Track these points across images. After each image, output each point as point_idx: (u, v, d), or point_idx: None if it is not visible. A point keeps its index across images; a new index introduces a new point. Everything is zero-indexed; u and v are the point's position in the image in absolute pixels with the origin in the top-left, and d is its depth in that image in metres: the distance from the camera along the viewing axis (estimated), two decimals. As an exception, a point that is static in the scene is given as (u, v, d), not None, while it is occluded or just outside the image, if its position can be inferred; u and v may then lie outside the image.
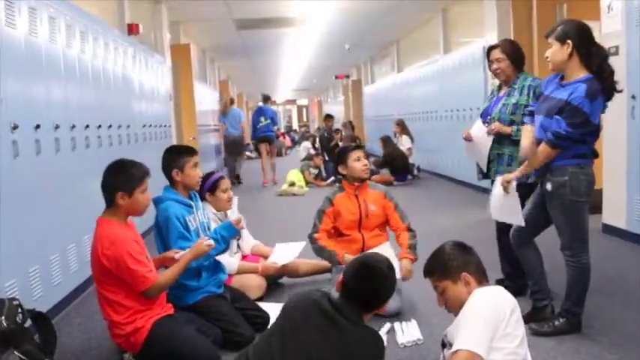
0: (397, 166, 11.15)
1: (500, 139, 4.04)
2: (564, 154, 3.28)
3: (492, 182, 4.10)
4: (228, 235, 3.62)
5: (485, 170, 4.21)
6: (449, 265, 2.48)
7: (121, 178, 3.05)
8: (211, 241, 3.33)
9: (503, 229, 4.05)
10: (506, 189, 3.63)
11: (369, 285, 2.52)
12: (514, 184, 3.60)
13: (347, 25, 13.10)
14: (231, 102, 12.53)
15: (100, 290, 3.08)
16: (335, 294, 2.55)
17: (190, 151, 3.69)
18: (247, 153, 17.43)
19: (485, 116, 4.19)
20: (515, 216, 3.59)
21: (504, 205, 3.67)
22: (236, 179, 12.00)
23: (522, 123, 3.87)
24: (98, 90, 5.51)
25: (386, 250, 3.84)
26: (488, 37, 8.63)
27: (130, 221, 3.19)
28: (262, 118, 11.90)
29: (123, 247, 2.98)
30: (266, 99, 12.50)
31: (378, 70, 19.73)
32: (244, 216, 3.79)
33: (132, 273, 2.98)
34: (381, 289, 2.57)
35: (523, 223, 3.55)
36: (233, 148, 12.20)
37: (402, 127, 12.10)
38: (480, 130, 4.18)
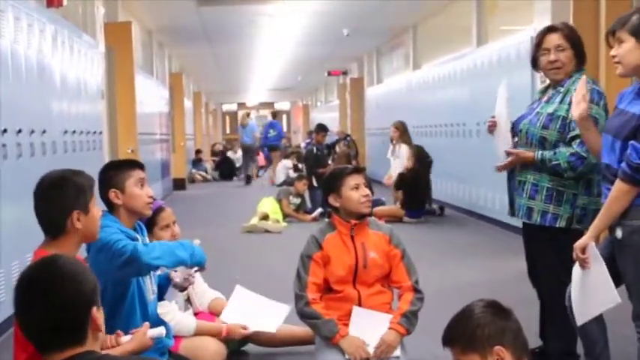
0: (410, 192, 11.11)
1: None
2: None
3: (523, 226, 4.18)
4: (197, 254, 3.58)
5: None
6: (477, 334, 2.47)
7: (72, 193, 2.98)
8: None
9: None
10: (584, 263, 3.44)
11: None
12: (592, 248, 3.41)
13: (346, 3, 13.23)
14: (248, 115, 22.69)
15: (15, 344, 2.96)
16: None
17: (132, 164, 3.69)
18: (201, 173, 22.78)
19: (515, 128, 4.24)
20: (608, 293, 3.38)
21: (588, 288, 3.46)
22: (247, 179, 19.93)
23: (556, 144, 3.96)
24: (5, 82, 5.53)
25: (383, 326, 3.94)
26: (537, 25, 8.73)
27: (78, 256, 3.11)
28: (271, 130, 20.56)
29: None
30: (274, 115, 23.96)
31: (387, 66, 19.91)
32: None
33: None
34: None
35: (619, 299, 3.37)
36: (248, 154, 20.75)
37: (403, 132, 11.75)
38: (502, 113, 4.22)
